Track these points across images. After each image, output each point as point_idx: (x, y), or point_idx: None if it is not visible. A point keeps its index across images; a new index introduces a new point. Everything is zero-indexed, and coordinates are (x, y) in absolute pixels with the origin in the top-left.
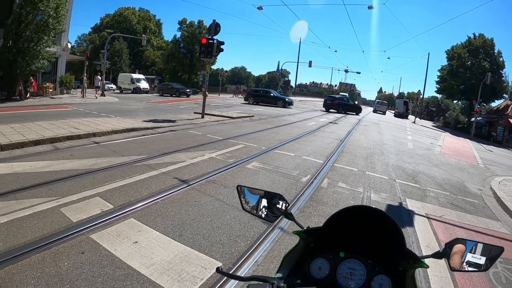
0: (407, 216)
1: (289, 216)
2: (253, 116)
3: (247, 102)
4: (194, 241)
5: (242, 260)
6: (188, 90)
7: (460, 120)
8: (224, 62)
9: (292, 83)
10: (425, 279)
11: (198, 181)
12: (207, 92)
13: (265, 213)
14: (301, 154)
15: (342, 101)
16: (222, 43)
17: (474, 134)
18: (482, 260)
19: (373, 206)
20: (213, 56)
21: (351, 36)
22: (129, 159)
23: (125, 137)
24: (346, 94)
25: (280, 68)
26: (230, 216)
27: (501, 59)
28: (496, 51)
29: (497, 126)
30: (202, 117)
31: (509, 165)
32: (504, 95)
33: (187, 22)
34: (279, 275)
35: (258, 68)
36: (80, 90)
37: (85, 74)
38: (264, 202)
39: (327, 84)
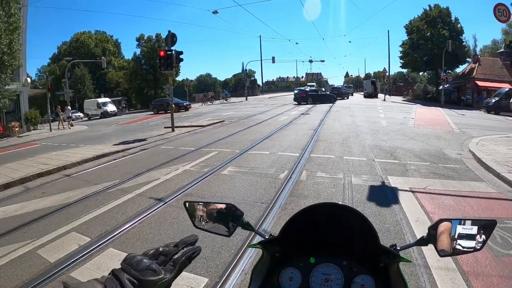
0: (392, 194)
1: (247, 226)
2: (223, 120)
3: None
4: None
5: (228, 271)
6: (186, 103)
7: (429, 90)
8: (188, 72)
9: (259, 82)
10: (420, 254)
11: (175, 197)
12: (173, 105)
13: (220, 226)
14: (276, 151)
15: (312, 92)
16: (181, 52)
17: (444, 102)
18: (474, 239)
19: (335, 202)
20: (173, 67)
21: (309, 25)
22: (102, 187)
23: (96, 165)
24: (314, 84)
25: (244, 69)
26: None
27: (459, 25)
28: (453, 18)
29: (465, 90)
30: (173, 130)
31: (483, 125)
32: (467, 59)
33: (145, 38)
34: None
35: (223, 73)
36: (57, 122)
37: (59, 106)
38: (217, 215)
39: (294, 77)
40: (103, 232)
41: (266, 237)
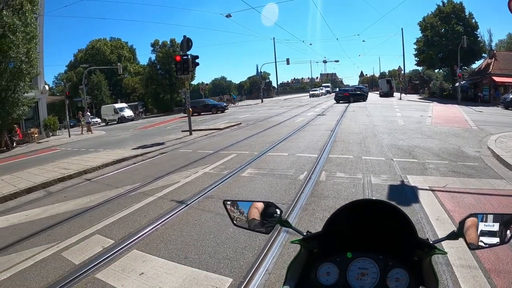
0: (411, 193)
1: (285, 223)
2: (240, 123)
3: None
4: (201, 261)
5: (252, 271)
6: (224, 104)
7: (445, 87)
8: (204, 76)
9: (274, 83)
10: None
11: (196, 199)
12: (190, 108)
13: (258, 224)
14: (294, 152)
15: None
16: (197, 57)
17: (461, 99)
18: (499, 233)
19: (373, 198)
20: (189, 71)
21: (323, 26)
22: (124, 190)
23: (117, 169)
24: (329, 84)
25: (259, 71)
26: (233, 228)
27: (473, 21)
28: (467, 13)
29: (482, 86)
30: (190, 134)
31: (502, 122)
32: (483, 54)
33: (160, 43)
34: (286, 287)
35: (238, 75)
36: (79, 128)
37: (80, 112)
38: (255, 213)
39: (308, 78)
40: (126, 234)
41: (304, 234)
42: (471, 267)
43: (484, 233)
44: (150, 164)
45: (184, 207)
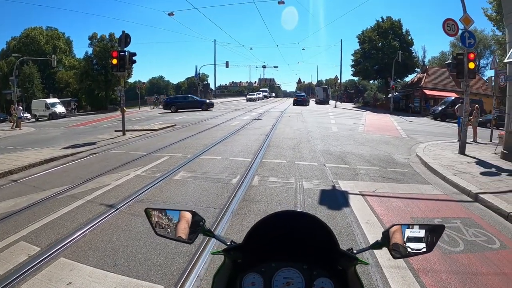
0: (342, 197)
1: (208, 233)
2: (175, 125)
3: (169, 111)
4: (131, 269)
5: (184, 278)
6: (208, 101)
7: (378, 98)
8: (141, 74)
9: (212, 86)
10: (371, 254)
11: (126, 203)
12: (124, 108)
13: (181, 234)
14: (228, 156)
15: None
16: (134, 54)
17: (393, 109)
18: (422, 242)
19: (296, 210)
20: (126, 69)
21: (264, 32)
22: (51, 193)
23: (45, 169)
24: (267, 89)
25: (198, 73)
26: None
27: (409, 37)
28: (404, 30)
29: (414, 98)
30: (124, 134)
31: (430, 131)
32: (416, 69)
33: (98, 37)
34: None
35: (176, 76)
36: (9, 123)
37: (13, 106)
38: (178, 222)
39: (247, 82)
40: (53, 240)
41: (228, 243)
42: (400, 268)
43: (412, 248)
44: (80, 165)
45: (114, 211)
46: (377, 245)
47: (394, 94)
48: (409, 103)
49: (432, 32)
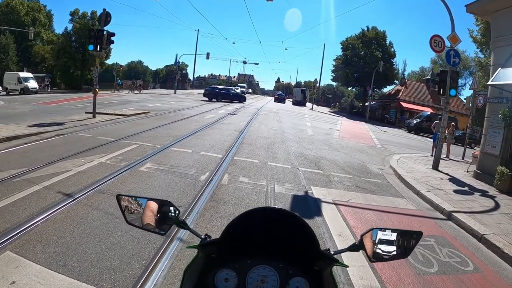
0: (314, 205)
1: (182, 224)
2: (148, 112)
3: (207, 100)
4: (81, 271)
5: (139, 285)
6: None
7: (355, 105)
8: (120, 57)
9: (191, 76)
10: (343, 271)
11: (85, 193)
12: (97, 89)
13: (154, 224)
14: (199, 150)
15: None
16: (113, 34)
17: (369, 117)
18: (401, 247)
19: (276, 207)
20: (103, 49)
21: (249, 27)
22: (8, 174)
23: (6, 147)
24: (245, 85)
25: (177, 61)
26: (121, 232)
27: (392, 50)
28: (388, 42)
29: (390, 109)
30: (93, 117)
31: (404, 143)
32: (395, 81)
33: (80, 13)
34: None
35: (156, 62)
36: None
37: None
38: (151, 212)
39: (226, 75)
40: (1, 230)
41: (202, 237)
42: (373, 287)
43: (389, 252)
44: (43, 146)
45: (71, 201)
46: (354, 247)
47: (371, 103)
48: (385, 114)
49: (414, 47)
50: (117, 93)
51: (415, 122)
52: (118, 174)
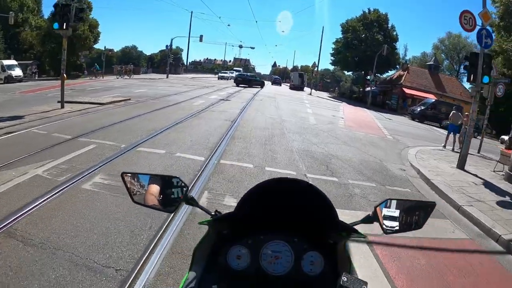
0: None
1: (191, 201)
2: (129, 99)
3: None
4: None
5: None
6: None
7: (355, 90)
8: (114, 42)
9: (185, 60)
10: None
11: None
12: (65, 75)
13: (161, 202)
14: (175, 150)
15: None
16: (82, 9)
17: (370, 103)
18: (415, 218)
19: (293, 178)
20: (70, 26)
21: (245, 6)
22: None
23: None
24: (241, 69)
25: (170, 44)
26: None
27: (394, 33)
28: (390, 25)
29: (391, 95)
30: (62, 107)
31: (413, 133)
32: (397, 66)
33: None
34: (192, 274)
35: (150, 47)
36: None
37: None
38: (157, 189)
39: (222, 60)
40: None
41: (212, 213)
42: None
43: (404, 223)
44: None
45: None
46: (368, 219)
47: (372, 88)
48: (386, 99)
49: (415, 32)
50: (106, 78)
51: (419, 109)
52: (50, 198)
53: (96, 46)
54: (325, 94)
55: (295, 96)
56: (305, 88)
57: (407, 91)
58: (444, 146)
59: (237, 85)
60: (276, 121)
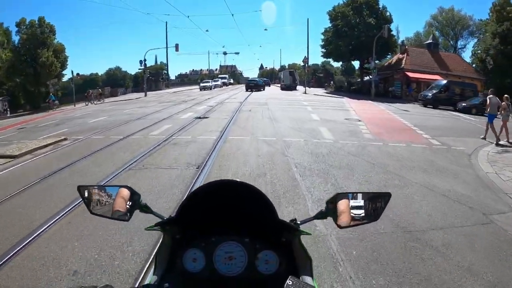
0: None
1: (145, 208)
2: (65, 139)
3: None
4: None
5: None
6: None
7: (352, 82)
8: (98, 66)
9: (170, 73)
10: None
11: None
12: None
13: (117, 212)
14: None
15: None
16: None
17: (374, 94)
18: (369, 210)
19: (227, 179)
20: None
21: (222, 7)
22: None
23: None
24: (227, 76)
25: (143, 59)
26: None
27: (387, 14)
28: (381, 6)
29: (393, 81)
30: None
31: (443, 126)
32: (395, 49)
33: (27, 23)
34: (155, 277)
35: (135, 65)
36: None
37: None
38: (113, 199)
39: (207, 69)
40: None
41: (165, 218)
42: None
43: (357, 216)
44: None
45: None
46: (321, 215)
47: (373, 77)
48: (388, 87)
49: (405, 12)
50: (78, 106)
51: (430, 94)
52: None
53: (66, 71)
54: (321, 91)
55: (290, 98)
56: (298, 87)
57: (411, 75)
58: (484, 137)
59: (248, 90)
60: (276, 148)
